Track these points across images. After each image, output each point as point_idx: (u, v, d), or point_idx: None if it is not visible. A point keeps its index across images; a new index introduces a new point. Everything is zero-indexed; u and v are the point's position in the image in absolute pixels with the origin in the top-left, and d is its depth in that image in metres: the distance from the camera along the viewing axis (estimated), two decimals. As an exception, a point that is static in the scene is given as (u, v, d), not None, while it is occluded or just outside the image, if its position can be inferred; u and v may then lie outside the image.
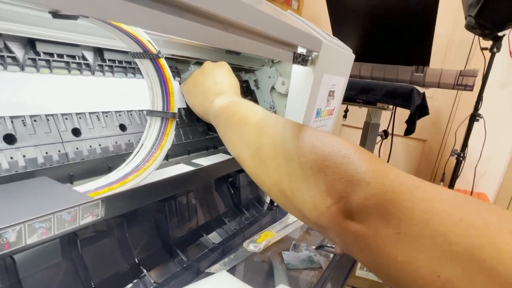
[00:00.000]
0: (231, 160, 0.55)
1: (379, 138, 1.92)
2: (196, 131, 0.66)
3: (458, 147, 1.63)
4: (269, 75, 0.87)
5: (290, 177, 0.34)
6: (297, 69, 0.59)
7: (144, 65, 0.40)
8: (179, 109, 0.64)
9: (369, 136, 1.84)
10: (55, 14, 0.32)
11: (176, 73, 0.65)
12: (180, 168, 0.48)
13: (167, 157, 0.52)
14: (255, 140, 0.41)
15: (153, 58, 0.39)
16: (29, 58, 0.41)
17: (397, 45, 1.49)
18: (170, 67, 0.64)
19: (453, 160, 1.63)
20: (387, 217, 0.26)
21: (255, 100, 0.87)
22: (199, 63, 0.74)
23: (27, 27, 0.39)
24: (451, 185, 1.56)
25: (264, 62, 0.86)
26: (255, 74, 0.89)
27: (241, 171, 0.65)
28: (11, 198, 0.29)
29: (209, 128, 0.72)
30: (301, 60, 0.54)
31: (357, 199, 0.28)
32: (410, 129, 1.54)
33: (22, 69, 0.41)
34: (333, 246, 0.54)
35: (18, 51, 0.41)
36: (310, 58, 0.56)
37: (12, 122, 0.39)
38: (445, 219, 0.23)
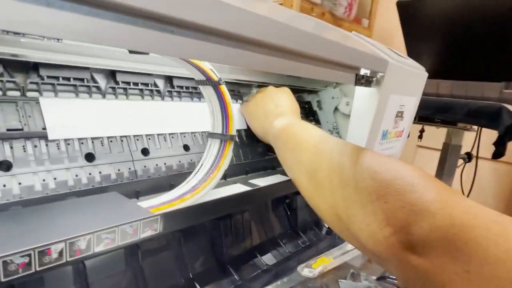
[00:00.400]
0: (287, 181, 0.54)
1: (461, 161, 1.73)
2: (255, 151, 0.67)
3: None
4: (333, 96, 0.86)
5: (346, 202, 0.33)
6: (361, 89, 0.57)
7: (207, 91, 0.43)
8: (239, 130, 0.66)
9: (448, 159, 1.67)
10: (131, 51, 0.36)
11: (239, 96, 0.67)
12: (236, 188, 0.50)
13: (225, 177, 0.54)
14: (311, 163, 0.41)
15: (215, 85, 0.41)
16: (109, 87, 0.47)
17: (482, 60, 1.35)
18: (233, 90, 0.67)
19: None
20: (455, 253, 0.23)
21: (317, 122, 0.86)
22: (261, 86, 0.76)
23: (109, 61, 0.45)
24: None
25: (328, 83, 0.85)
26: (318, 95, 0.88)
27: (299, 192, 0.65)
28: (85, 210, 0.33)
29: (269, 149, 0.72)
30: (365, 81, 0.52)
31: (420, 231, 0.26)
32: (499, 152, 1.35)
33: (104, 96, 0.47)
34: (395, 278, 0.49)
35: (101, 81, 0.47)
36: (375, 79, 0.54)
37: (92, 142, 0.44)
38: None
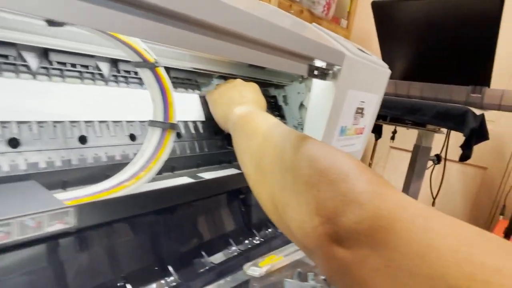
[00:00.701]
0: (238, 175, 0.52)
1: (430, 163, 1.76)
2: (213, 144, 0.64)
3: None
4: (299, 91, 0.84)
5: (283, 190, 0.32)
6: (318, 83, 0.55)
7: (145, 75, 0.39)
8: (195, 121, 0.63)
9: (418, 160, 1.70)
10: (50, 23, 0.32)
11: (196, 86, 0.64)
12: (180, 181, 0.47)
13: (172, 169, 0.51)
14: (259, 150, 0.39)
15: (152, 68, 0.38)
16: (42, 67, 0.43)
17: (451, 63, 1.37)
18: (190, 79, 0.64)
19: (517, 193, 1.43)
20: (378, 246, 0.22)
21: (283, 117, 0.84)
22: (222, 77, 0.73)
23: (40, 37, 0.41)
24: (513, 221, 1.36)
25: (294, 78, 0.83)
26: (284, 89, 0.86)
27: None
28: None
29: (228, 142, 0.70)
30: (320, 73, 0.50)
31: (347, 222, 0.24)
32: (466, 155, 1.38)
33: (34, 77, 0.43)
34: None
35: (31, 60, 0.43)
36: (331, 72, 0.52)
37: (18, 127, 0.40)
38: (447, 256, 0.19)
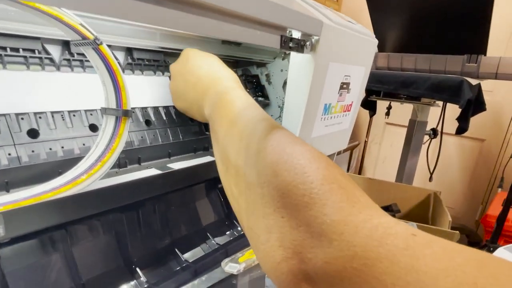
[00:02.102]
0: (211, 162, 0.47)
1: (427, 137, 1.72)
2: (188, 131, 0.59)
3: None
4: (282, 69, 0.78)
5: (248, 209, 0.26)
6: (295, 56, 0.50)
7: (90, 55, 0.34)
8: (167, 107, 0.58)
9: (414, 135, 1.66)
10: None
11: (166, 67, 0.59)
12: (147, 173, 0.42)
13: (139, 161, 0.46)
14: (223, 140, 0.34)
15: (94, 47, 0.33)
16: (-26, 52, 0.38)
17: (446, 33, 1.30)
18: (157, 60, 0.58)
19: (515, 164, 1.40)
20: None
21: (266, 97, 0.79)
22: (196, 56, 0.67)
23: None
24: (511, 192, 1.33)
25: (276, 54, 0.78)
26: (266, 68, 0.81)
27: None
28: None
29: (206, 127, 0.65)
30: (295, 45, 0.45)
31: (315, 260, 0.20)
32: (462, 127, 1.34)
33: (-33, 64, 0.37)
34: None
35: (-38, 45, 0.37)
36: (308, 43, 0.46)
37: (-50, 122, 0.36)
38: None
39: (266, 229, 0.23)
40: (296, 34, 0.44)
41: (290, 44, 0.43)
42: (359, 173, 2.33)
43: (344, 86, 0.58)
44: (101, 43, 0.32)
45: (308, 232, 0.21)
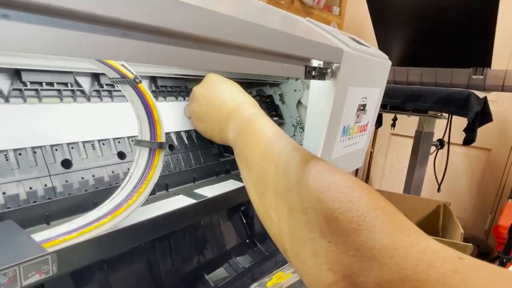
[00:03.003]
0: (240, 189, 0.48)
1: (433, 148, 1.73)
2: (208, 154, 0.61)
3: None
4: (295, 89, 0.80)
5: (292, 235, 0.27)
6: (316, 83, 0.51)
7: (126, 91, 0.36)
8: (188, 131, 0.59)
9: (421, 146, 1.67)
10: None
11: (186, 93, 0.61)
12: (178, 201, 0.43)
13: (166, 187, 0.47)
14: (257, 167, 0.35)
15: (132, 84, 0.34)
16: (14, 89, 0.39)
17: (450, 46, 1.32)
18: (179, 86, 0.60)
19: (525, 174, 1.40)
20: None
21: (280, 116, 0.80)
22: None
23: (10, 58, 0.37)
24: (523, 204, 1.33)
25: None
26: (280, 88, 0.83)
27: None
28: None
29: (226, 149, 0.66)
30: (318, 74, 0.46)
31: (366, 283, 0.21)
32: (469, 139, 1.35)
33: (7, 100, 0.39)
34: None
35: (3, 83, 0.39)
36: (329, 70, 0.48)
37: (-8, 157, 0.37)
38: None
39: (313, 253, 0.24)
40: (319, 63, 0.46)
41: (313, 73, 0.45)
42: (366, 182, 2.33)
43: (361, 107, 0.59)
44: (140, 81, 0.33)
45: (357, 256, 0.22)
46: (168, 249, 0.43)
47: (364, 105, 0.60)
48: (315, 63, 0.46)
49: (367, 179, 2.33)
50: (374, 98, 0.64)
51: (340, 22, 2.19)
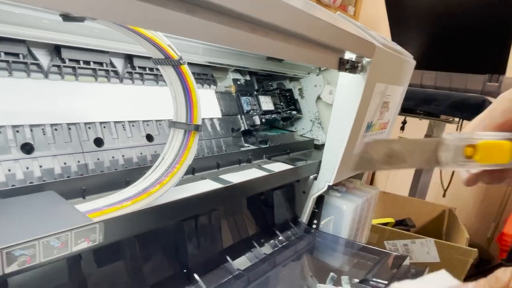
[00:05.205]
0: (265, 177, 0.49)
1: (441, 153, 1.73)
2: (230, 143, 0.61)
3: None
4: (316, 84, 0.80)
5: None
6: (344, 76, 0.52)
7: (167, 72, 0.36)
8: (211, 118, 0.60)
9: (429, 151, 1.67)
10: (66, 17, 0.29)
11: (212, 81, 0.61)
12: (205, 185, 0.44)
13: (193, 171, 0.48)
14: None
15: (175, 65, 0.35)
16: (53, 65, 0.40)
17: (467, 51, 1.32)
18: (206, 74, 0.61)
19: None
20: None
21: (299, 111, 0.81)
22: (238, 71, 0.70)
23: (51, 33, 0.38)
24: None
25: (311, 70, 0.80)
26: (300, 82, 0.83)
27: (276, 188, 0.60)
28: (4, 216, 0.26)
29: (246, 140, 0.67)
30: (350, 67, 0.47)
31: None
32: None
33: (46, 76, 0.39)
34: (380, 281, 0.45)
35: (43, 58, 0.39)
36: (360, 64, 0.48)
37: (31, 131, 0.37)
38: None
39: None
40: (351, 56, 0.46)
41: (346, 66, 0.45)
42: (371, 185, 2.33)
43: (385, 105, 0.59)
44: (184, 63, 0.34)
45: None
46: (194, 230, 0.43)
47: (388, 103, 0.60)
48: (348, 56, 0.46)
49: (372, 181, 2.33)
50: (397, 97, 0.64)
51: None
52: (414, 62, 0.66)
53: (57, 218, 0.27)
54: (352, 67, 0.47)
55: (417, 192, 1.74)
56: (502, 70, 1.26)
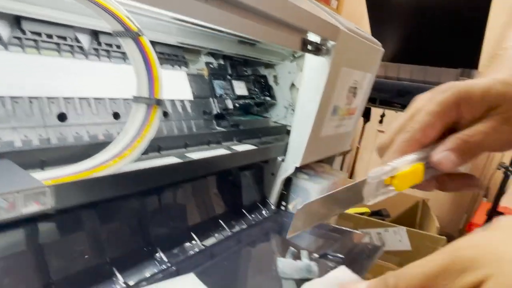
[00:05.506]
0: (227, 155, 0.50)
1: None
2: (201, 125, 0.62)
3: (506, 159, 1.46)
4: (289, 71, 0.81)
5: None
6: (311, 59, 0.53)
7: (128, 45, 0.36)
8: (182, 100, 0.60)
9: (406, 143, 1.71)
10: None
11: (183, 63, 0.61)
12: (167, 161, 0.44)
13: (159, 149, 0.48)
14: None
15: (134, 37, 0.35)
16: (14, 37, 0.40)
17: (441, 46, 1.36)
18: (176, 55, 0.61)
19: (499, 174, 1.46)
20: None
21: (273, 97, 0.82)
22: (211, 54, 0.70)
23: (11, 3, 0.37)
24: (496, 202, 1.39)
25: (285, 57, 0.81)
26: (274, 69, 0.84)
27: (244, 168, 0.61)
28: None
29: (218, 122, 0.68)
30: (314, 49, 0.48)
31: None
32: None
33: (6, 48, 0.39)
34: (338, 255, 0.47)
35: (2, 29, 0.39)
36: (324, 47, 0.49)
37: (-11, 101, 0.37)
38: None
39: None
40: (315, 38, 0.47)
41: (309, 47, 0.46)
42: (350, 177, 2.38)
43: (352, 90, 0.61)
44: (143, 35, 0.34)
45: None
46: (159, 207, 0.44)
47: (355, 88, 0.62)
48: (313, 38, 0.47)
49: (352, 173, 2.38)
50: (365, 83, 0.66)
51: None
52: (382, 50, 0.68)
53: (7, 181, 0.27)
54: (316, 49, 0.48)
55: (393, 183, 1.78)
56: (474, 65, 1.30)
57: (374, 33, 1.52)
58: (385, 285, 0.18)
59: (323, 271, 0.42)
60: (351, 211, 1.50)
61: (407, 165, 0.23)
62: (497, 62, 0.29)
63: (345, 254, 0.46)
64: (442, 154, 0.23)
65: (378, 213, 1.63)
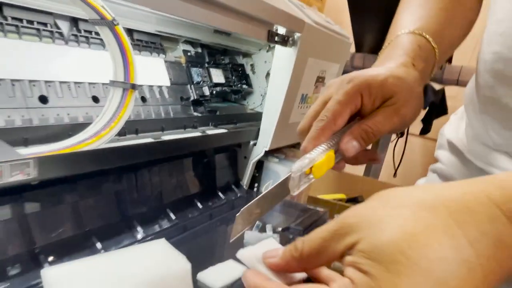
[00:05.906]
0: (200, 137, 0.54)
1: (394, 136, 1.85)
2: (178, 109, 0.65)
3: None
4: (265, 60, 0.85)
5: None
6: (280, 49, 0.57)
7: (104, 33, 0.40)
8: (160, 86, 0.64)
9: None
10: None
11: (161, 50, 0.64)
12: (142, 141, 0.48)
13: (136, 132, 0.52)
14: None
15: (110, 26, 0.38)
16: (-5, 22, 0.42)
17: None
18: (154, 43, 0.64)
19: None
20: None
21: (250, 85, 0.86)
22: (188, 42, 0.73)
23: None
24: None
25: (261, 46, 0.84)
26: (252, 58, 0.87)
27: (218, 151, 0.65)
28: None
29: (195, 108, 0.71)
30: (280, 40, 0.52)
31: None
32: (425, 129, 1.47)
33: (-11, 32, 0.42)
34: (298, 228, 0.52)
35: (-15, 15, 0.42)
36: (291, 39, 0.53)
37: (-27, 83, 0.40)
38: None
39: None
40: (282, 30, 0.51)
41: (276, 38, 0.50)
42: (331, 166, 2.45)
43: (320, 79, 0.65)
44: (117, 24, 0.37)
45: None
46: (136, 183, 0.48)
47: (323, 78, 0.66)
48: (280, 30, 0.51)
49: (332, 162, 2.45)
50: (334, 73, 0.70)
51: (321, 6, 2.24)
52: (350, 42, 0.72)
53: (-7, 153, 0.30)
54: (283, 40, 0.52)
55: (370, 172, 1.86)
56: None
57: (354, 25, 1.56)
58: (295, 249, 0.23)
59: (283, 242, 0.47)
60: (328, 197, 1.56)
61: (321, 155, 0.27)
62: (389, 48, 0.34)
63: (304, 227, 0.51)
64: (348, 144, 0.28)
65: (355, 200, 1.71)
